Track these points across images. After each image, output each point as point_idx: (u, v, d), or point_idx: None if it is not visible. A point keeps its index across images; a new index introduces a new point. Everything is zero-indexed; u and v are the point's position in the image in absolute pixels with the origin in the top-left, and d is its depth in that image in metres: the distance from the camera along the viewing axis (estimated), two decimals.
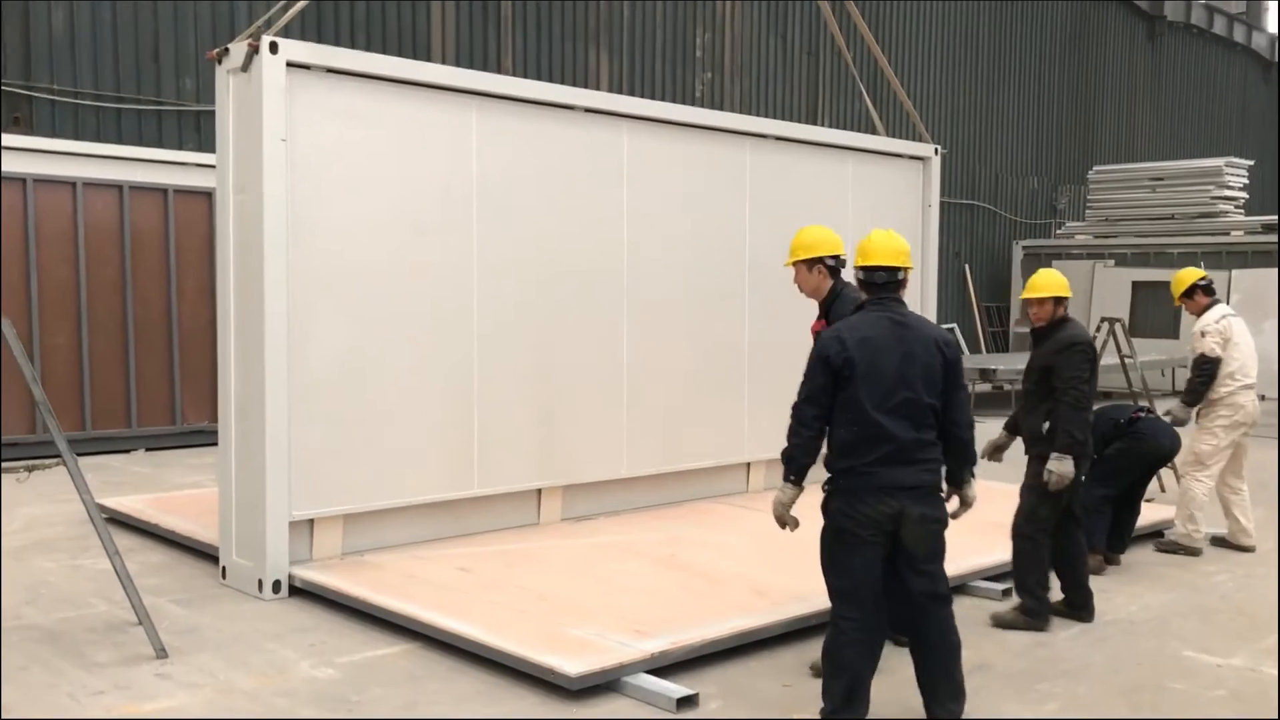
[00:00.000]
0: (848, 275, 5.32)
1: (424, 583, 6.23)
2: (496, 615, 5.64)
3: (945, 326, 22.07)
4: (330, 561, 6.63)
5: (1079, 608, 6.21)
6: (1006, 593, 6.52)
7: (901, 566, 4.56)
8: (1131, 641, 5.81)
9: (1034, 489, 6.21)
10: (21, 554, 7.25)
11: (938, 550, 4.61)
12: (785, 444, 4.63)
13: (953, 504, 4.75)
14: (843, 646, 4.53)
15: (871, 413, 4.46)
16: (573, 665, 4.89)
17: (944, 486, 4.70)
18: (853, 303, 5.15)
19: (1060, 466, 5.99)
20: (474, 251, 7.30)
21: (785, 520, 4.72)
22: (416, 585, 6.16)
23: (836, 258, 5.61)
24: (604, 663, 4.96)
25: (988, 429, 14.85)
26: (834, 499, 4.56)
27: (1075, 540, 6.37)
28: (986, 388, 18.01)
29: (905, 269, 4.73)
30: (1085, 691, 5.08)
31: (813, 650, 5.53)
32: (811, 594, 6.09)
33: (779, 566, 6.73)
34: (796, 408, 4.60)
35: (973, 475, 4.80)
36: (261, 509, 6.31)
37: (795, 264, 5.65)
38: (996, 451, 6.75)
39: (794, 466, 4.64)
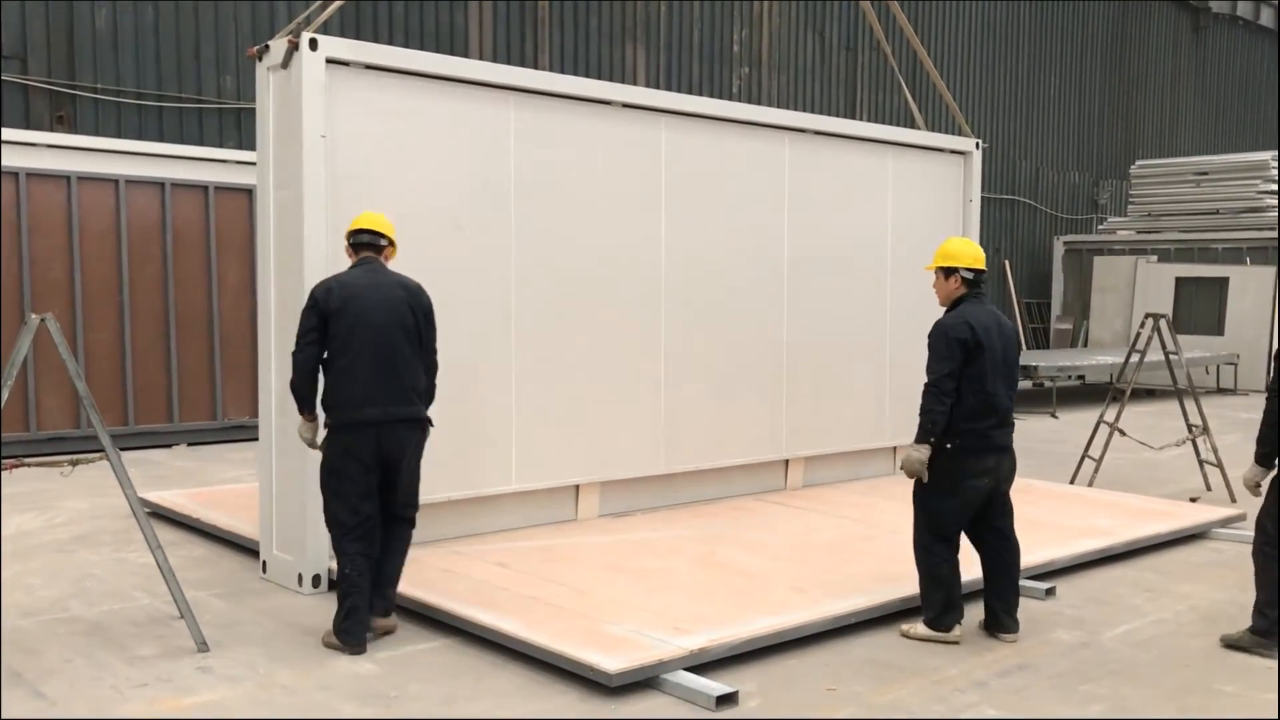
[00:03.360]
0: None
1: (462, 578, 6.24)
2: (535, 611, 5.63)
3: None
4: None
5: None
6: (1050, 591, 6.43)
7: (992, 506, 5.70)
8: (1179, 642, 5.71)
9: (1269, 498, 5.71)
10: (66, 547, 7.33)
11: (1009, 495, 5.81)
12: (923, 413, 5.53)
13: None
14: (941, 568, 5.63)
15: (991, 385, 5.55)
16: (612, 662, 4.87)
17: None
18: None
19: (1247, 473, 5.78)
20: (511, 247, 7.30)
21: (922, 475, 5.59)
22: (455, 580, 6.17)
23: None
24: (643, 659, 4.94)
25: (1029, 425, 14.76)
26: (950, 455, 5.55)
27: None
28: (1028, 385, 17.83)
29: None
30: (1132, 693, 5.00)
31: (853, 648, 5.50)
32: (851, 592, 6.06)
33: (818, 564, 6.69)
34: (938, 382, 5.51)
35: None
36: (302, 504, 6.34)
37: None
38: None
39: (936, 429, 5.52)
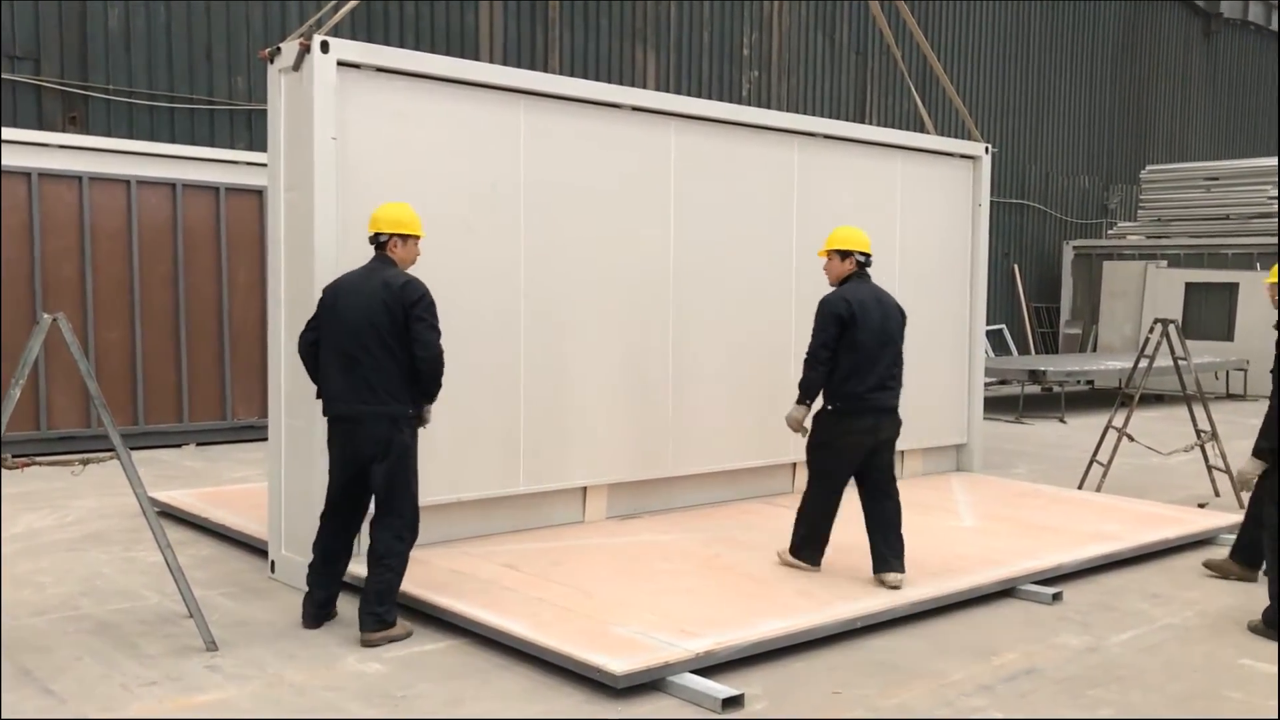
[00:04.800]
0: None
1: (470, 579, 6.25)
2: (542, 612, 5.65)
3: (993, 328, 21.85)
4: None
5: None
6: (1056, 597, 6.43)
7: (876, 465, 6.47)
8: (1187, 648, 5.71)
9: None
10: (76, 546, 7.37)
11: (893, 453, 6.63)
12: (802, 377, 6.44)
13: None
14: (819, 506, 6.49)
15: (870, 353, 6.35)
16: (618, 664, 4.88)
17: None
18: None
19: (1245, 466, 6.16)
20: (521, 250, 7.32)
21: (801, 429, 6.53)
22: (462, 581, 6.19)
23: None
24: (649, 662, 4.95)
25: (1038, 429, 14.72)
26: (837, 414, 6.41)
27: None
28: (1036, 390, 17.79)
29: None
30: (1139, 698, 5.00)
31: (860, 651, 5.50)
32: (857, 595, 6.07)
33: (823, 567, 6.69)
34: (814, 352, 6.38)
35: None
36: (310, 504, 6.34)
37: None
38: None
39: (814, 393, 6.47)
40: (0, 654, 5.17)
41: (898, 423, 6.54)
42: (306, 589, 5.79)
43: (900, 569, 6.29)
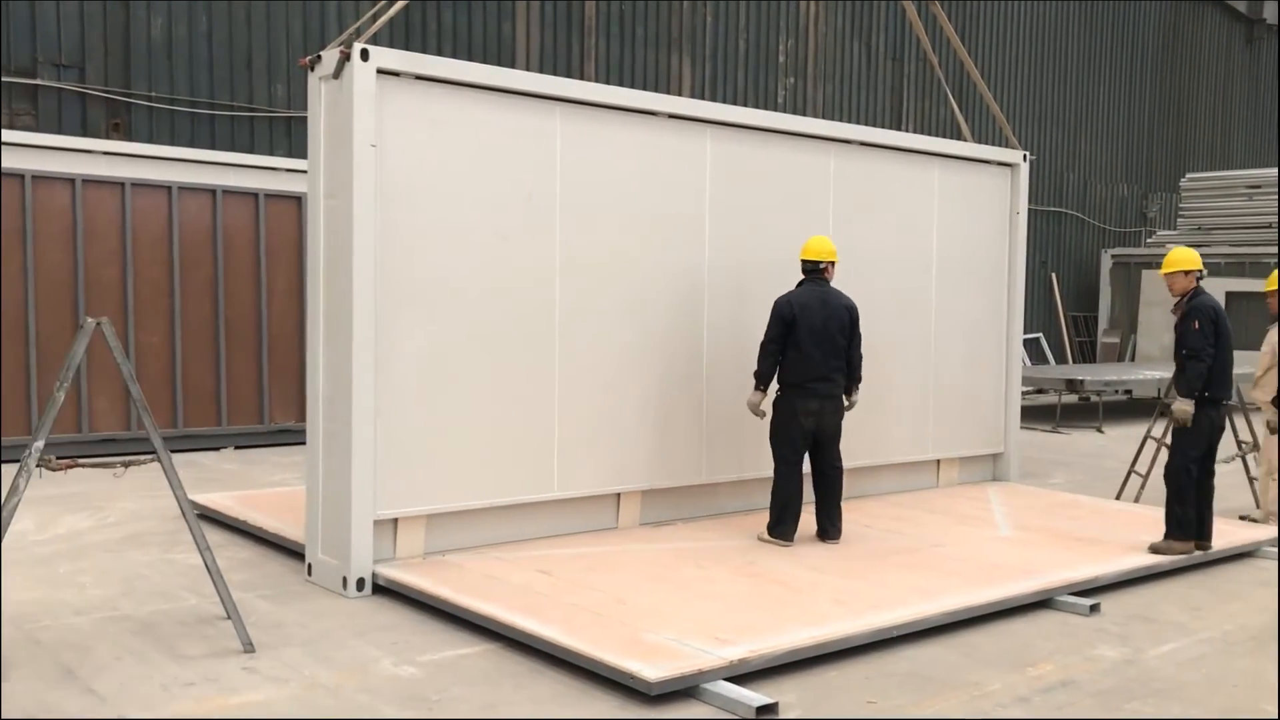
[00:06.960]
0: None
1: (504, 584, 6.28)
2: (576, 618, 5.66)
3: (1031, 337, 21.66)
4: (413, 561, 6.71)
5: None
6: (1094, 608, 6.37)
7: (820, 443, 7.63)
8: (1227, 662, 5.64)
9: None
10: (117, 547, 7.46)
11: (838, 435, 7.68)
12: (757, 366, 7.59)
13: (845, 403, 7.73)
14: (784, 486, 7.54)
15: (809, 349, 7.43)
16: (652, 670, 4.88)
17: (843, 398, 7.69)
18: None
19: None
20: (557, 257, 7.35)
21: (758, 412, 7.63)
22: (497, 586, 6.21)
23: None
24: (683, 669, 4.95)
25: (1075, 440, 14.57)
26: (784, 399, 7.56)
27: None
28: (1073, 399, 17.63)
29: (830, 262, 7.71)
30: (1178, 712, 4.94)
31: (895, 661, 5.47)
32: (892, 604, 6.04)
33: (858, 575, 6.67)
34: (764, 345, 7.54)
35: (857, 389, 7.78)
36: (347, 508, 6.41)
37: None
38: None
39: (765, 380, 7.60)
40: (0, 652, 5.26)
41: (840, 407, 7.63)
42: None
43: (836, 535, 7.55)
